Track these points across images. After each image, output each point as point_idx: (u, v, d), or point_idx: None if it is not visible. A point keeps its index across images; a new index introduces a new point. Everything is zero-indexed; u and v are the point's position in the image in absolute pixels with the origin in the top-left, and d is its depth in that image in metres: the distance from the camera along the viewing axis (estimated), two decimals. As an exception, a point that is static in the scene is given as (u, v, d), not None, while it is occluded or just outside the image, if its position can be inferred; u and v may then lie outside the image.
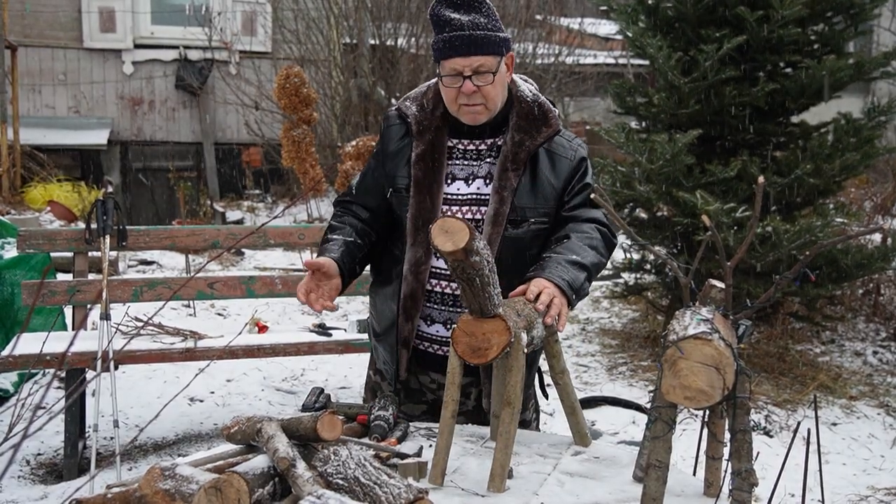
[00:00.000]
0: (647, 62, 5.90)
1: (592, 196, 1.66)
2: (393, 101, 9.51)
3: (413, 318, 2.19)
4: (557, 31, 11.18)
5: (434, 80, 2.26)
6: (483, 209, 2.16)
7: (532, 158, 2.17)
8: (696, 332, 1.43)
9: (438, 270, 2.18)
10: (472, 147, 2.22)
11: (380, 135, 2.33)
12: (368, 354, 4.44)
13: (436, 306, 2.21)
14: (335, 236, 2.21)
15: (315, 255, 7.12)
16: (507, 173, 2.15)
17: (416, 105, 2.25)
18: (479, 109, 2.13)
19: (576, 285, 1.99)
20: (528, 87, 2.26)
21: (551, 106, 2.26)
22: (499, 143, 2.21)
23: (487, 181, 2.18)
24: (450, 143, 2.22)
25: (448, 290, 2.19)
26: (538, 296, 1.90)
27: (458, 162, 2.21)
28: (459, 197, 2.18)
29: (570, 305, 1.99)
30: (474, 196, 2.18)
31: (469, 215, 2.17)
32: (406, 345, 2.22)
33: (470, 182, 2.19)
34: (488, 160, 2.20)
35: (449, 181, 2.20)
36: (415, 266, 2.17)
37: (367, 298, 6.98)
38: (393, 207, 2.24)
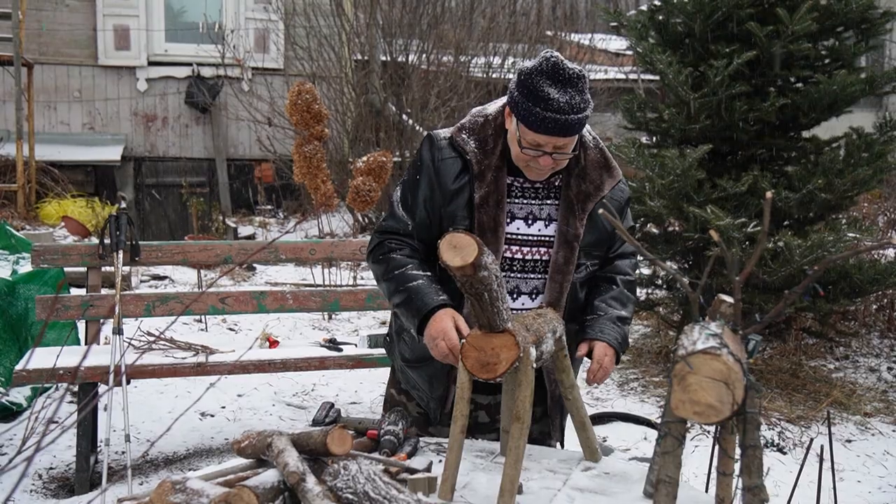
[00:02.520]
0: (657, 77, 5.90)
1: (601, 211, 1.66)
2: (404, 116, 9.54)
3: None
4: (568, 46, 11.21)
5: (491, 112, 2.22)
6: (543, 250, 2.20)
7: None
8: (704, 347, 1.43)
9: None
10: (528, 185, 2.21)
11: (427, 162, 2.21)
12: (379, 370, 4.40)
13: None
14: (416, 272, 2.14)
15: (327, 269, 7.07)
16: (574, 221, 2.18)
17: (476, 141, 2.18)
18: (546, 172, 2.15)
19: (625, 343, 2.22)
20: (587, 129, 2.25)
21: (607, 149, 2.28)
22: (556, 183, 2.21)
23: (548, 223, 2.21)
24: (507, 181, 2.20)
25: None
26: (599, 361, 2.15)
27: (516, 200, 2.21)
28: (520, 237, 2.20)
29: (618, 361, 2.21)
30: (536, 237, 2.20)
31: (529, 256, 2.20)
32: (455, 380, 2.21)
33: (530, 222, 2.20)
34: (548, 201, 2.21)
35: (508, 220, 2.19)
36: None
37: (378, 314, 6.95)
38: None
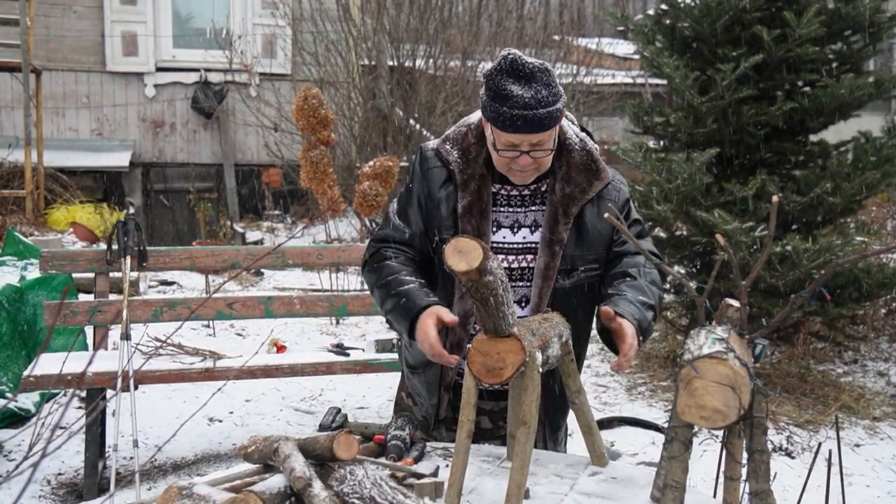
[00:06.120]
0: (664, 81, 5.90)
1: (606, 216, 1.66)
2: (411, 121, 9.55)
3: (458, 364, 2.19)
4: (575, 51, 11.21)
5: (473, 120, 2.21)
6: (530, 257, 2.15)
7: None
8: (710, 352, 1.43)
9: None
10: (515, 192, 2.18)
11: (417, 172, 2.23)
12: (386, 375, 4.40)
13: None
14: (409, 278, 2.10)
15: (334, 274, 7.07)
16: (558, 226, 2.12)
17: (458, 150, 2.18)
18: (529, 174, 2.10)
19: (645, 327, 2.00)
20: (573, 131, 2.21)
21: (595, 148, 2.21)
22: (542, 188, 2.18)
23: (533, 230, 2.17)
24: (493, 189, 2.18)
25: None
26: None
27: (502, 209, 2.18)
28: (506, 245, 2.16)
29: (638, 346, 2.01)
30: (521, 245, 2.16)
31: (515, 264, 2.15)
32: (448, 388, 2.21)
33: (515, 230, 2.17)
34: (533, 207, 2.18)
35: (494, 229, 2.17)
36: (464, 317, 2.14)
37: (384, 319, 6.94)
38: (441, 256, 2.20)
